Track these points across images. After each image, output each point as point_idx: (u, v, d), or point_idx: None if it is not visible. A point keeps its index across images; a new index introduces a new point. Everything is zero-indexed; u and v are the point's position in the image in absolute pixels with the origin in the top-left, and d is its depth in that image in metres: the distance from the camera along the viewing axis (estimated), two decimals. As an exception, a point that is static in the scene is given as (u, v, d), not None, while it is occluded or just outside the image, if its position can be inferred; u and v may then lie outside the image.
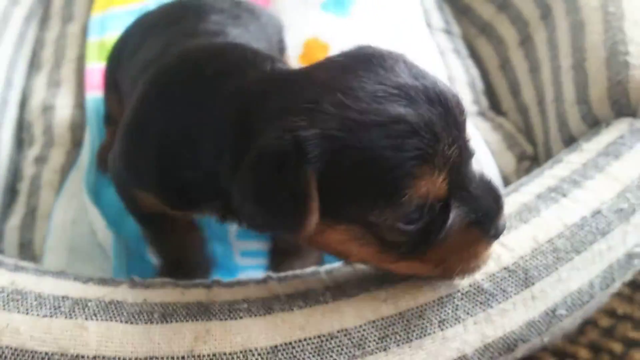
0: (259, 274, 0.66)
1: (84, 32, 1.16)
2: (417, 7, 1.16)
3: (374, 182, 0.47)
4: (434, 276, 0.57)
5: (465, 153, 0.51)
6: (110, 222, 0.85)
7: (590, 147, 0.72)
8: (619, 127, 0.74)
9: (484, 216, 0.53)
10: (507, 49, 1.16)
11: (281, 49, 0.90)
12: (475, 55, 1.22)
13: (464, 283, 0.58)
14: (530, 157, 0.96)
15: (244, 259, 0.84)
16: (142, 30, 0.83)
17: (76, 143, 0.99)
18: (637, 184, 0.66)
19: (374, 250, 0.52)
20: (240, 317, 0.55)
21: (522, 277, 0.59)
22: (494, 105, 1.11)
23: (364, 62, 0.51)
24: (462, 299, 0.58)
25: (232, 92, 0.55)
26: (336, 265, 0.64)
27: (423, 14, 1.18)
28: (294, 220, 0.48)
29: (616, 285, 0.65)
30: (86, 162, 0.95)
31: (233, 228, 0.86)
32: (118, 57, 0.85)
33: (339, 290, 0.59)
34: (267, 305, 0.56)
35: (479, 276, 0.59)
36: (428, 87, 0.49)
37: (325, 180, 0.47)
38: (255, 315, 0.55)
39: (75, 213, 0.88)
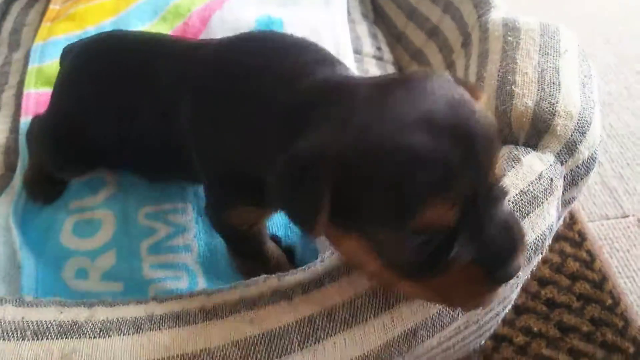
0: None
1: (27, 58, 1.21)
2: (346, 35, 1.21)
3: (381, 204, 0.51)
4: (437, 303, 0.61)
5: (483, 191, 0.52)
6: (30, 246, 0.89)
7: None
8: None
9: (492, 258, 0.53)
10: (435, 74, 1.21)
11: None
12: (408, 82, 1.27)
13: (326, 305, 0.63)
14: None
15: (153, 271, 0.88)
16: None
17: (9, 167, 1.04)
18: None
19: (380, 265, 0.56)
20: (109, 336, 0.59)
21: (382, 299, 0.64)
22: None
23: (403, 83, 0.55)
24: (322, 320, 0.62)
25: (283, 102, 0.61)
26: (224, 288, 0.68)
27: (352, 41, 1.23)
28: (308, 221, 0.54)
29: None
30: (18, 186, 0.99)
31: (146, 243, 0.91)
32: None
33: (211, 312, 0.63)
34: (137, 325, 0.60)
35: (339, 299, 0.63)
36: (458, 120, 0.51)
37: (341, 193, 0.52)
38: (124, 335, 0.59)
39: (1, 234, 0.92)
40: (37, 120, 1.00)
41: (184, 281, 0.89)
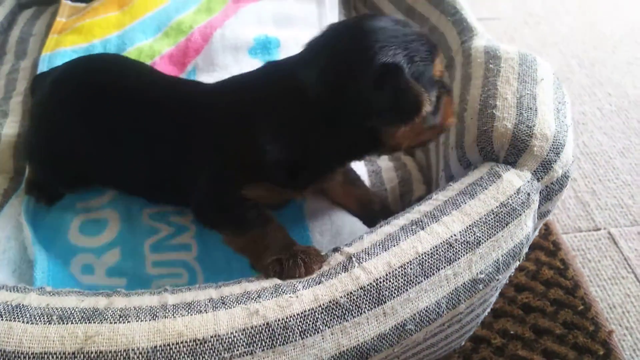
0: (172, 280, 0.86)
1: (35, 67, 1.26)
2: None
3: None
4: None
5: None
6: (40, 243, 0.95)
7: (455, 187, 0.83)
8: (481, 170, 0.85)
9: None
10: (422, 95, 1.28)
11: None
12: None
13: (324, 299, 0.69)
14: (419, 198, 1.08)
15: (155, 268, 0.94)
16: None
17: (18, 171, 1.10)
18: (484, 220, 0.77)
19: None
20: (128, 322, 0.65)
21: (375, 295, 0.70)
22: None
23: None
24: (322, 312, 0.69)
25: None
26: (230, 282, 0.75)
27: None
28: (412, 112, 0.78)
29: (462, 306, 0.76)
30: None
31: (149, 242, 0.97)
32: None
33: (219, 302, 0.69)
34: (153, 312, 0.67)
35: (337, 294, 0.70)
36: None
37: None
38: (142, 321, 0.65)
39: (11, 231, 0.98)
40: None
41: (184, 277, 0.95)
